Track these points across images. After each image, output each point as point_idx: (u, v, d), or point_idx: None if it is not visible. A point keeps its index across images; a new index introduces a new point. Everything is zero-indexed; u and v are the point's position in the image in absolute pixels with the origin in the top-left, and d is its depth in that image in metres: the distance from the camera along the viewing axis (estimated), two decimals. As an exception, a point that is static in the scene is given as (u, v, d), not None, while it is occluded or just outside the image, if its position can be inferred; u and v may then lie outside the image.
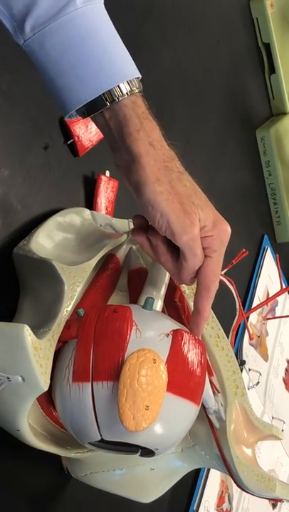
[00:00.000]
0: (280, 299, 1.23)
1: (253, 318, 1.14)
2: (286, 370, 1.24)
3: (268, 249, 1.22)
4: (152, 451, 0.66)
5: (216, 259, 0.66)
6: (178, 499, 0.94)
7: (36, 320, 0.68)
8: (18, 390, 0.63)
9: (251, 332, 1.05)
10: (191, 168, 0.66)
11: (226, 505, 1.01)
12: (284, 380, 1.22)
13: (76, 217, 0.78)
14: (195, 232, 0.63)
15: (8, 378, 0.63)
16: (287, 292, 1.24)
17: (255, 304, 1.12)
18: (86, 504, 0.79)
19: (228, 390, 0.72)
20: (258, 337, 1.15)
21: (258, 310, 1.16)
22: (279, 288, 1.22)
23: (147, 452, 0.67)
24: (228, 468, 0.70)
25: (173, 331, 0.66)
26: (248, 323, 1.04)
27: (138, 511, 0.84)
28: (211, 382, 0.72)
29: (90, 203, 0.83)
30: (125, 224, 0.83)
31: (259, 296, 1.15)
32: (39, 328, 0.66)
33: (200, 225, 0.63)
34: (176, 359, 0.65)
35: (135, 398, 0.62)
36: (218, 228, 0.65)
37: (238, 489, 1.03)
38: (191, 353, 0.66)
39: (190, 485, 0.96)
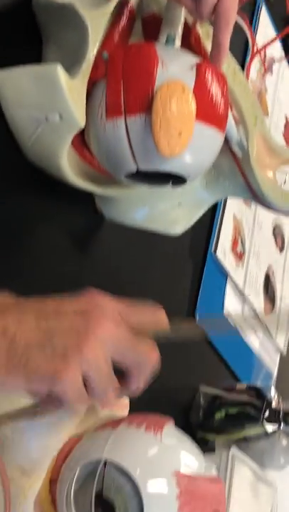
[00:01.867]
0: (277, 55, 1.25)
1: (253, 73, 1.17)
2: (284, 126, 1.28)
3: (263, 6, 1.23)
4: (183, 179, 0.72)
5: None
6: (197, 244, 1.01)
7: (63, 65, 0.71)
8: (56, 129, 0.68)
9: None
10: None
11: (239, 248, 1.09)
12: (283, 135, 1.27)
13: None
14: None
15: (46, 118, 0.67)
16: (284, 57, 1.26)
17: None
18: (119, 244, 0.86)
19: (248, 121, 0.76)
20: (258, 93, 1.19)
21: (257, 67, 1.19)
22: (278, 47, 1.24)
23: (179, 181, 0.72)
24: (253, 192, 0.76)
25: (197, 63, 0.69)
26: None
27: (166, 245, 0.91)
28: (232, 115, 0.76)
29: None
30: None
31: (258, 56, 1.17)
32: (68, 71, 0.69)
33: None
34: (201, 89, 0.69)
35: (168, 125, 0.66)
36: None
37: (249, 234, 1.12)
38: (215, 84, 0.70)
39: (207, 230, 1.03)
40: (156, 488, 0.57)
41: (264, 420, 0.93)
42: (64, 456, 0.61)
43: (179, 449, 0.60)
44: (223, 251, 1.04)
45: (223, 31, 0.70)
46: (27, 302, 0.55)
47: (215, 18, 0.70)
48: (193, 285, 1.00)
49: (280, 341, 1.20)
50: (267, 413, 0.93)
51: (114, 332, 0.54)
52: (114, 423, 0.61)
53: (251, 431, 0.94)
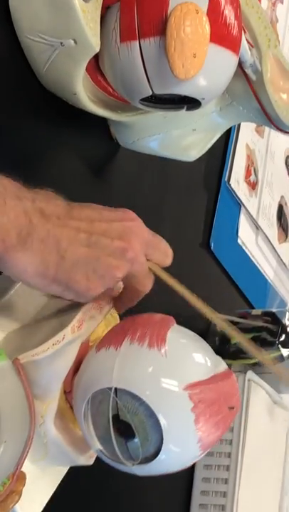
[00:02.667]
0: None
1: (264, 3, 1.16)
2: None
3: None
4: (198, 103, 0.72)
5: None
6: (211, 173, 1.02)
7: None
8: (72, 53, 0.68)
9: None
10: None
11: (252, 178, 1.10)
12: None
13: None
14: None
15: (61, 43, 0.68)
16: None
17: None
18: (133, 171, 0.87)
19: (261, 44, 0.76)
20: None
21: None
22: None
23: (193, 105, 0.73)
24: (267, 115, 0.77)
25: (210, -15, 0.69)
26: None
27: (180, 174, 0.92)
28: (245, 39, 0.76)
29: None
30: None
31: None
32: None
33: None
34: (215, 11, 0.68)
35: (183, 47, 0.66)
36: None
37: (262, 164, 1.12)
38: (228, 6, 0.69)
39: (220, 159, 1.04)
40: (170, 406, 0.58)
41: (279, 344, 0.95)
42: (75, 368, 0.62)
43: (186, 359, 0.60)
44: (237, 180, 1.05)
45: None
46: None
47: None
48: (207, 214, 1.01)
49: (294, 271, 1.22)
50: (282, 337, 0.95)
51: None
52: (117, 341, 0.61)
53: (267, 355, 0.96)
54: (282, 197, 1.19)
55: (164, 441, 0.57)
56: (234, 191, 1.04)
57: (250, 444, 0.93)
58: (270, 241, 1.13)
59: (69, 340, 0.60)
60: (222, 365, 0.62)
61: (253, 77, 0.76)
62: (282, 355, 0.95)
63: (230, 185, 1.03)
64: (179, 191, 0.96)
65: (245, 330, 0.97)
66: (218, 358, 0.62)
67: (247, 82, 0.77)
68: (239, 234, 1.07)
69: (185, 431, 0.57)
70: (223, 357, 0.92)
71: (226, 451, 0.92)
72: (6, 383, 0.56)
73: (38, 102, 0.74)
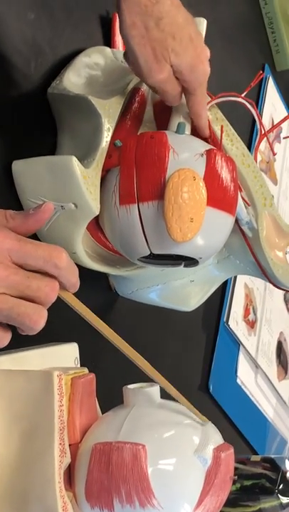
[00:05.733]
0: (285, 125, 1.28)
1: (262, 145, 1.20)
2: (294, 193, 1.31)
3: (270, 78, 1.26)
4: (196, 261, 0.73)
5: (199, 96, 0.73)
6: (209, 314, 1.03)
7: (78, 153, 0.73)
8: (72, 216, 0.70)
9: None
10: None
11: (251, 316, 1.10)
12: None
13: (99, 55, 0.82)
14: (160, 77, 0.70)
15: (62, 207, 0.70)
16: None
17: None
18: (132, 319, 0.87)
19: (257, 202, 0.78)
20: (267, 163, 1.21)
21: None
22: (284, 114, 1.27)
23: (191, 263, 0.74)
24: (263, 271, 0.78)
25: (206, 150, 0.72)
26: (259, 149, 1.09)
27: (178, 319, 0.93)
28: (242, 197, 0.78)
29: (109, 42, 0.86)
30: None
31: (265, 124, 1.20)
32: (82, 160, 0.72)
33: (174, 69, 0.70)
34: (212, 176, 0.71)
35: (180, 212, 0.68)
36: (195, 72, 0.71)
37: (261, 302, 1.13)
38: (225, 170, 0.72)
39: (219, 300, 1.05)
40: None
41: (279, 493, 0.94)
42: None
43: (179, 488, 0.60)
44: (235, 320, 1.06)
45: (198, 119, 0.75)
46: None
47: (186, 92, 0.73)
48: (206, 355, 1.01)
49: (294, 407, 1.21)
50: (282, 486, 0.94)
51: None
52: (107, 502, 0.60)
53: (266, 503, 0.94)
54: (281, 333, 1.20)
55: None
56: (233, 331, 1.05)
57: None
58: (269, 379, 1.13)
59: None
60: (212, 439, 0.62)
61: (249, 233, 0.78)
62: (281, 503, 0.94)
63: (228, 325, 1.04)
64: (178, 334, 0.97)
65: (244, 476, 0.95)
66: (197, 426, 0.64)
67: (243, 238, 0.79)
68: (238, 374, 1.07)
69: None
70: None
71: None
72: None
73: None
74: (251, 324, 1.10)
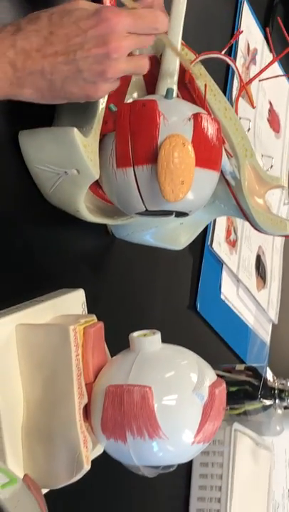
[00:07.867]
0: (259, 47, 1.33)
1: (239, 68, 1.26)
2: (269, 111, 1.37)
3: (244, 1, 1.30)
4: (186, 213, 0.82)
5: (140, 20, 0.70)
6: (195, 241, 1.12)
7: (76, 121, 0.80)
8: (75, 181, 0.78)
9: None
10: None
11: (232, 237, 1.20)
12: (268, 120, 1.37)
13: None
14: (103, 89, 0.70)
15: (65, 172, 0.77)
16: (265, 42, 1.34)
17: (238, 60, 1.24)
18: (128, 260, 0.97)
19: (239, 154, 0.86)
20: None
21: (241, 61, 1.27)
22: (259, 37, 1.32)
23: (181, 214, 0.83)
24: (245, 215, 0.87)
25: (193, 114, 0.79)
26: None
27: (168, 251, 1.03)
28: (225, 150, 0.86)
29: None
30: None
31: (241, 49, 1.26)
32: (81, 127, 0.78)
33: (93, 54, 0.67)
34: (199, 138, 0.78)
35: (172, 176, 0.76)
36: (103, 36, 0.67)
37: (241, 221, 1.22)
38: (210, 131, 0.80)
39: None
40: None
41: (261, 397, 1.07)
42: None
43: (181, 418, 0.71)
44: (218, 242, 1.15)
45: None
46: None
47: None
48: (193, 278, 1.12)
49: (272, 314, 1.33)
50: (263, 391, 1.06)
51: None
52: (121, 434, 0.70)
53: (250, 406, 1.07)
54: (259, 247, 1.30)
55: None
56: (216, 253, 1.15)
57: (238, 487, 1.05)
58: (249, 291, 1.24)
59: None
60: (207, 376, 0.73)
61: (232, 182, 0.86)
62: (263, 405, 1.07)
63: (212, 248, 1.14)
64: (168, 262, 1.06)
65: (230, 383, 1.08)
66: (201, 365, 0.74)
67: (227, 186, 0.87)
68: (222, 290, 1.17)
69: None
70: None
71: (216, 496, 1.04)
72: (21, 506, 0.59)
73: (44, 210, 0.83)
74: (232, 244, 1.20)
